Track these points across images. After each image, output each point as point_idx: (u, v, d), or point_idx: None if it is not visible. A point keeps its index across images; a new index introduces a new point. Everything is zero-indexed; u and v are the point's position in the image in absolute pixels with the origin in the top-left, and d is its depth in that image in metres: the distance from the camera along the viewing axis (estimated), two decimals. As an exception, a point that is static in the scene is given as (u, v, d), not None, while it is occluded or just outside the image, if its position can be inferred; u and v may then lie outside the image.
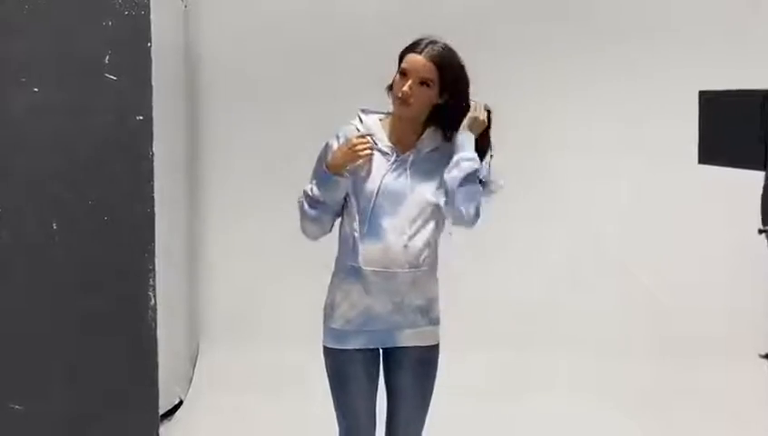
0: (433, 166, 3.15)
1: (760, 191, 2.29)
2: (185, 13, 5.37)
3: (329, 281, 3.25)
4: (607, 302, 5.23)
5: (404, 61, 3.09)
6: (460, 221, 3.13)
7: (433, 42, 3.09)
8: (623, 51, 5.16)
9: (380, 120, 3.20)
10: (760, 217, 2.09)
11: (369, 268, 3.09)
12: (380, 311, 3.14)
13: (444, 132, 3.17)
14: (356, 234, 3.11)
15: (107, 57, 3.98)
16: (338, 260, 3.22)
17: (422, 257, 3.14)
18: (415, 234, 3.11)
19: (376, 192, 3.09)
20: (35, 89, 3.75)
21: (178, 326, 5.29)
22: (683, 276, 5.18)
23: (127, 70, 4.04)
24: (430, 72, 3.06)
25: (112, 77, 4.00)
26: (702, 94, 2.23)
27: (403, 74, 3.08)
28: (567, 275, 5.26)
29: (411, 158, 3.14)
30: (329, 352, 3.22)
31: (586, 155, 5.26)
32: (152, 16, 4.17)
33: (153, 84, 4.19)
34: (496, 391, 5.03)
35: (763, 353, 1.82)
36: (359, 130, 3.15)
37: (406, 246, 3.10)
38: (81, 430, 3.96)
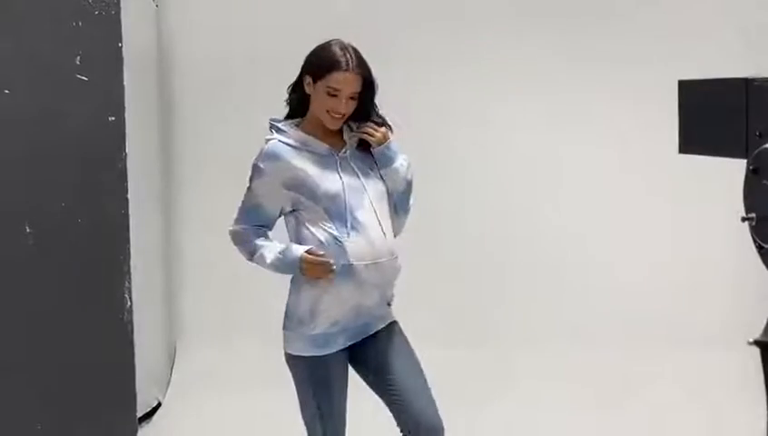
0: (363, 156, 3.24)
1: (737, 178, 2.28)
2: (156, 12, 5.33)
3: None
4: (575, 292, 5.24)
5: (331, 80, 3.12)
6: (406, 211, 3.32)
7: (345, 48, 3.15)
8: (601, 39, 5.15)
9: (296, 126, 3.25)
10: (743, 205, 2.08)
11: (360, 263, 3.10)
12: (369, 303, 3.17)
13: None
14: (336, 235, 3.11)
15: (78, 58, 3.95)
16: None
17: (395, 244, 3.23)
18: (386, 224, 3.20)
19: (343, 190, 3.13)
20: (6, 91, 3.71)
21: (155, 328, 5.26)
22: (653, 270, 5.19)
23: (99, 70, 4.02)
24: (359, 85, 3.15)
25: (83, 78, 3.97)
26: (681, 83, 2.24)
27: (332, 94, 3.12)
28: (537, 266, 5.27)
29: (348, 153, 3.21)
30: (306, 361, 3.17)
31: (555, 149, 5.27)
32: (122, 16, 4.15)
33: (125, 84, 4.17)
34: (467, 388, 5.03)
35: (751, 340, 1.82)
36: (284, 142, 3.20)
37: (384, 235, 3.16)
38: (58, 434, 3.92)
